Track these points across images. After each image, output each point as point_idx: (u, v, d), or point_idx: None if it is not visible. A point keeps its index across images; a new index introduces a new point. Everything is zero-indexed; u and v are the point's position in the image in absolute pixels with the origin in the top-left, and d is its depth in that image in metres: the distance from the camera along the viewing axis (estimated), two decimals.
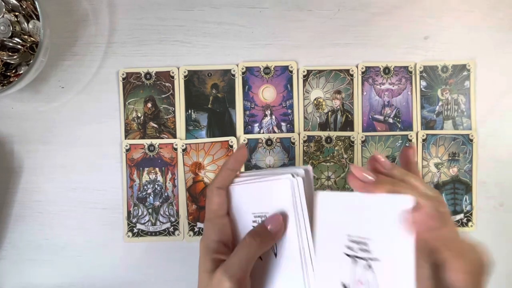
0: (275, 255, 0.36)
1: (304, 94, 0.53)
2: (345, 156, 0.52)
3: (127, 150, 0.52)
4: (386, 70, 0.53)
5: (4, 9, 0.47)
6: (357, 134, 0.52)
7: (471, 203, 0.53)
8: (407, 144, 0.52)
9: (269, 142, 0.52)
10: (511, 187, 0.53)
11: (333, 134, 0.52)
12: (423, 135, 0.52)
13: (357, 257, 0.30)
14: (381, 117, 0.53)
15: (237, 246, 0.33)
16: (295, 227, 0.36)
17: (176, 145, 0.52)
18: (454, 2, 0.53)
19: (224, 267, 0.32)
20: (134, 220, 0.52)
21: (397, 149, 0.52)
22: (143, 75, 0.52)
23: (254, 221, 0.37)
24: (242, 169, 0.52)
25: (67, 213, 0.52)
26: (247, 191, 0.36)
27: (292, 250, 0.35)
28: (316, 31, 0.53)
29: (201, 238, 0.35)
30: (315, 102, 0.53)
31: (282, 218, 0.34)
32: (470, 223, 0.53)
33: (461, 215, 0.53)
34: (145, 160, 0.52)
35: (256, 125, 0.53)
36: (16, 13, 0.48)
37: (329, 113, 0.53)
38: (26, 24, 0.48)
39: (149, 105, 0.52)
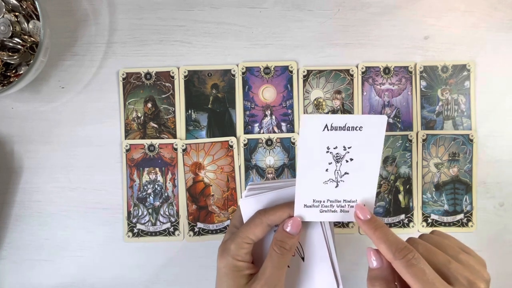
0: (303, 259, 0.37)
1: (304, 94, 0.53)
2: None
3: (127, 150, 0.52)
4: (386, 70, 0.53)
5: (4, 9, 0.47)
6: None
7: (471, 203, 0.53)
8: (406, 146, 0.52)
9: (269, 142, 0.52)
10: (511, 187, 0.53)
11: None
12: (423, 135, 0.52)
13: (337, 157, 0.34)
14: None
15: (267, 258, 0.35)
16: (319, 228, 0.37)
17: (176, 145, 0.52)
18: (454, 2, 0.53)
19: (263, 280, 0.34)
20: (134, 220, 0.52)
21: (397, 149, 0.52)
22: (143, 75, 0.52)
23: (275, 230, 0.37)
24: (241, 170, 0.52)
25: (67, 213, 0.52)
26: (267, 200, 0.37)
27: (320, 252, 0.37)
28: (316, 31, 0.53)
29: (222, 254, 0.35)
30: (315, 102, 0.53)
31: (299, 220, 0.35)
32: (470, 223, 0.53)
33: (461, 215, 0.53)
34: (145, 160, 0.52)
35: (256, 125, 0.53)
36: (16, 13, 0.48)
37: (329, 113, 0.53)
38: (26, 24, 0.48)
39: (149, 105, 0.52)
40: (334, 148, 0.33)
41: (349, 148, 0.33)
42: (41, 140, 0.52)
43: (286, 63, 0.52)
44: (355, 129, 0.33)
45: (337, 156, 0.34)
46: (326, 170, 0.34)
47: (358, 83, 0.53)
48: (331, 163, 0.34)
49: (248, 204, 0.37)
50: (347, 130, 0.33)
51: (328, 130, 0.33)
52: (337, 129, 0.33)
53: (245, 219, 0.37)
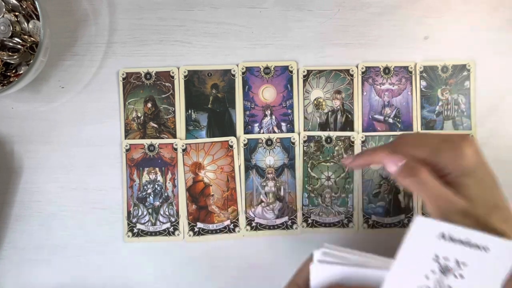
0: None
1: (304, 94, 0.53)
2: (345, 156, 0.52)
3: (127, 150, 0.52)
4: (386, 70, 0.53)
5: (4, 9, 0.47)
6: (357, 134, 0.53)
7: None
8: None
9: (269, 142, 0.52)
10: (511, 187, 0.53)
11: (333, 134, 0.52)
12: None
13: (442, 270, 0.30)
14: (381, 117, 0.53)
15: None
16: None
17: (176, 145, 0.52)
18: (454, 2, 0.53)
19: None
20: (134, 220, 0.52)
21: None
22: (143, 75, 0.52)
23: None
24: (241, 170, 0.52)
25: (67, 213, 0.52)
26: (343, 274, 0.33)
27: None
28: (316, 31, 0.53)
29: None
30: (315, 102, 0.53)
31: None
32: None
33: None
34: (145, 160, 0.52)
35: (256, 125, 0.53)
36: (16, 13, 0.48)
37: (329, 113, 0.53)
38: (26, 24, 0.48)
39: (149, 105, 0.52)
40: (445, 259, 0.29)
41: (463, 265, 0.29)
42: (41, 140, 0.52)
43: (286, 63, 0.52)
44: (478, 248, 0.29)
45: (445, 268, 0.30)
46: (427, 277, 0.30)
47: (358, 83, 0.53)
48: (435, 272, 0.30)
49: (321, 271, 0.33)
50: (467, 246, 0.29)
51: (444, 239, 0.29)
52: (455, 241, 0.29)
53: (312, 285, 0.33)
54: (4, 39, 0.48)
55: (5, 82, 0.49)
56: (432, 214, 0.33)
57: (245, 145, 0.52)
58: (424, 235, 0.29)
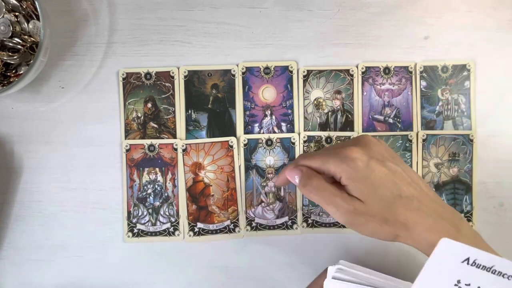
0: None
1: (304, 94, 0.53)
2: None
3: (127, 150, 0.52)
4: (386, 70, 0.53)
5: (4, 9, 0.47)
6: (357, 134, 0.53)
7: (471, 203, 0.53)
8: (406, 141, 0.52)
9: (269, 142, 0.52)
10: (511, 187, 0.53)
11: (333, 134, 0.52)
12: (423, 135, 0.52)
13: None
14: (381, 117, 0.53)
15: None
16: None
17: (176, 145, 0.52)
18: (454, 2, 0.53)
19: None
20: (134, 220, 0.52)
21: (397, 149, 0.52)
22: (143, 75, 0.52)
23: None
24: (241, 170, 0.52)
25: (67, 213, 0.52)
26: None
27: None
28: (316, 31, 0.53)
29: None
30: (315, 102, 0.53)
31: None
32: (470, 223, 0.53)
33: (461, 215, 0.53)
34: (145, 160, 0.52)
35: (256, 125, 0.53)
36: (16, 13, 0.48)
37: (329, 113, 0.53)
38: (26, 24, 0.48)
39: (149, 105, 0.52)
40: (467, 285, 0.28)
41: None
42: (41, 140, 0.52)
43: (286, 63, 0.52)
44: (503, 276, 0.27)
45: None
46: None
47: (358, 83, 0.53)
48: None
49: None
50: (492, 273, 0.28)
51: (468, 264, 0.28)
52: (479, 267, 0.28)
53: None
54: (4, 39, 0.48)
55: (5, 82, 0.49)
56: (336, 218, 0.36)
57: (245, 145, 0.52)
58: (448, 258, 0.28)
